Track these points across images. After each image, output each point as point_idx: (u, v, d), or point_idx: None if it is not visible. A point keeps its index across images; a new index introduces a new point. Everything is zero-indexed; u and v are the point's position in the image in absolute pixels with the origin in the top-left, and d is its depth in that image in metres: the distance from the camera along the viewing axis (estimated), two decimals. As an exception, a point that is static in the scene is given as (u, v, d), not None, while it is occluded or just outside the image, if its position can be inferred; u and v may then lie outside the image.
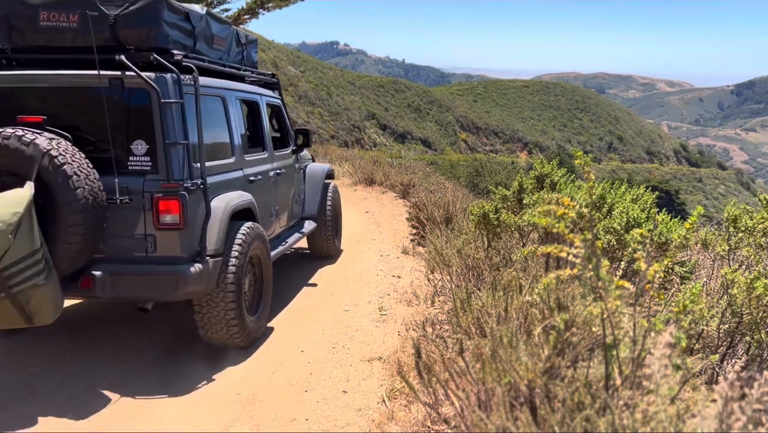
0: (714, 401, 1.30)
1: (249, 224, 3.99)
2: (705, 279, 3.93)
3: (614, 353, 1.74)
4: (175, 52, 3.60)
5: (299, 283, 5.36)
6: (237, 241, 3.80)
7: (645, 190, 4.43)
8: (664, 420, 1.42)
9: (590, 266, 1.66)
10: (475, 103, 74.46)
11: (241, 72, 4.79)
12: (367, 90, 60.71)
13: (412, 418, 2.86)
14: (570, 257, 1.68)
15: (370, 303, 4.85)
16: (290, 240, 5.22)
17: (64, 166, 3.16)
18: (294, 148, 5.69)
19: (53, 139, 3.24)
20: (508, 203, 4.88)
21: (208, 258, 3.57)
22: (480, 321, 2.85)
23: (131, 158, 3.48)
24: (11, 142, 3.14)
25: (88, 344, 3.95)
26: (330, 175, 6.43)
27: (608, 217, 4.03)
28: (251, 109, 4.90)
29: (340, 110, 51.50)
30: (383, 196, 10.92)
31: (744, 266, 3.65)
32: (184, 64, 3.62)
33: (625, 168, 68.16)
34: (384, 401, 3.13)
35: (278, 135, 5.61)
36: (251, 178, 4.41)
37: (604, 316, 1.71)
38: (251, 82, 5.12)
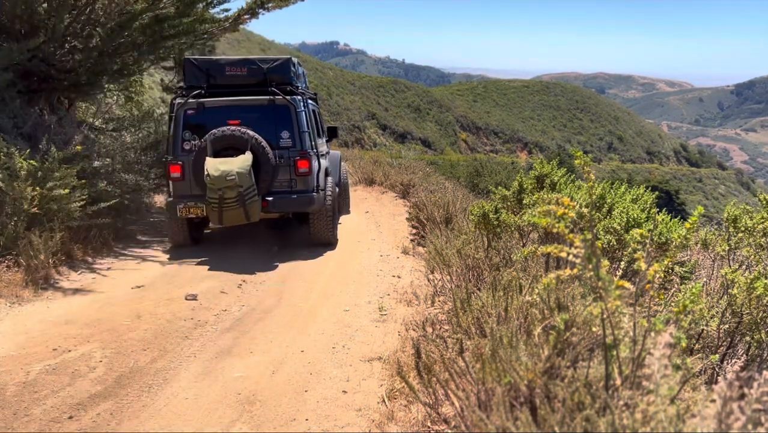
0: (713, 401, 1.30)
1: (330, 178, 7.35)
2: (705, 279, 3.93)
3: (614, 353, 1.74)
4: (297, 85, 6.99)
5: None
6: (328, 184, 7.10)
7: (645, 190, 4.42)
8: (664, 420, 1.42)
9: (590, 266, 1.66)
10: (475, 103, 74.36)
11: (308, 93, 7.76)
12: (367, 90, 60.67)
13: (412, 418, 2.86)
14: (570, 257, 1.68)
15: (370, 303, 4.85)
16: None
17: (262, 144, 6.31)
18: (327, 138, 8.62)
19: (252, 130, 6.32)
20: (508, 203, 4.88)
21: (320, 191, 6.74)
22: (480, 321, 2.85)
23: (281, 140, 6.60)
24: (236, 133, 6.26)
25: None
26: (341, 159, 9.36)
27: (608, 217, 4.03)
28: (314, 114, 7.76)
29: (340, 110, 51.49)
30: (383, 196, 10.92)
31: (744, 266, 3.65)
32: (300, 89, 6.99)
33: (625, 168, 68.08)
34: (384, 401, 3.13)
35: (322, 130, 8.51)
36: (321, 153, 7.37)
37: (604, 316, 1.71)
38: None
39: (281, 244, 7.08)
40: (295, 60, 7.06)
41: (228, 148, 6.22)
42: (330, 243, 6.98)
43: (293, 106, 6.57)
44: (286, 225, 7.81)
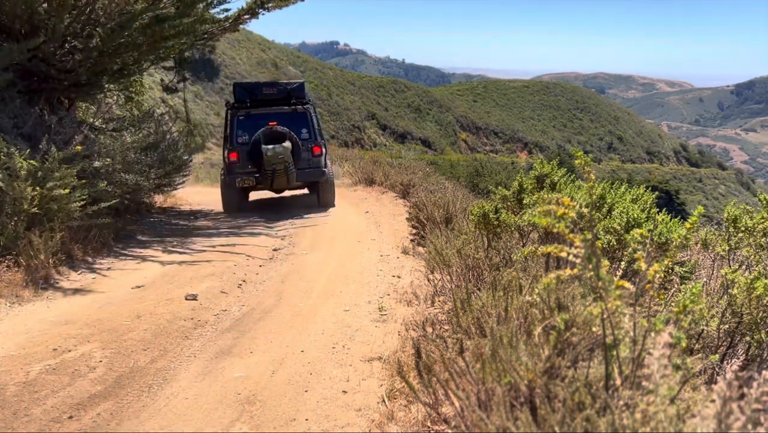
0: (713, 401, 1.30)
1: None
2: (705, 279, 3.93)
3: (614, 353, 1.74)
4: (309, 99, 10.30)
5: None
6: (328, 164, 10.18)
7: (645, 191, 4.42)
8: (663, 420, 1.42)
9: (590, 266, 1.66)
10: (475, 103, 74.27)
11: (311, 101, 10.69)
12: (367, 90, 60.64)
13: (412, 418, 2.86)
14: (570, 257, 1.68)
15: (370, 303, 4.85)
16: None
17: (295, 136, 9.48)
18: None
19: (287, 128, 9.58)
20: (508, 203, 4.87)
21: (327, 167, 10.00)
22: (480, 321, 2.85)
23: (301, 134, 9.72)
24: (278, 129, 9.34)
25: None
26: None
27: (608, 217, 4.03)
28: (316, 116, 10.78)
29: (340, 110, 51.49)
30: (383, 196, 10.93)
31: (744, 266, 3.64)
32: (310, 102, 10.22)
33: (625, 168, 67.98)
34: (384, 401, 3.13)
35: None
36: (323, 144, 10.22)
37: (604, 316, 1.71)
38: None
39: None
40: (304, 80, 11.03)
41: (272, 139, 9.20)
42: (332, 206, 10.11)
43: (308, 113, 9.99)
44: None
